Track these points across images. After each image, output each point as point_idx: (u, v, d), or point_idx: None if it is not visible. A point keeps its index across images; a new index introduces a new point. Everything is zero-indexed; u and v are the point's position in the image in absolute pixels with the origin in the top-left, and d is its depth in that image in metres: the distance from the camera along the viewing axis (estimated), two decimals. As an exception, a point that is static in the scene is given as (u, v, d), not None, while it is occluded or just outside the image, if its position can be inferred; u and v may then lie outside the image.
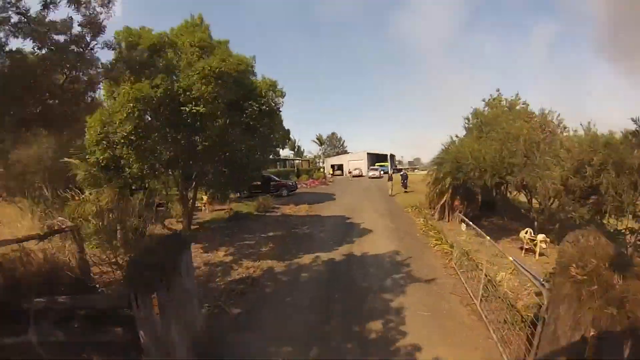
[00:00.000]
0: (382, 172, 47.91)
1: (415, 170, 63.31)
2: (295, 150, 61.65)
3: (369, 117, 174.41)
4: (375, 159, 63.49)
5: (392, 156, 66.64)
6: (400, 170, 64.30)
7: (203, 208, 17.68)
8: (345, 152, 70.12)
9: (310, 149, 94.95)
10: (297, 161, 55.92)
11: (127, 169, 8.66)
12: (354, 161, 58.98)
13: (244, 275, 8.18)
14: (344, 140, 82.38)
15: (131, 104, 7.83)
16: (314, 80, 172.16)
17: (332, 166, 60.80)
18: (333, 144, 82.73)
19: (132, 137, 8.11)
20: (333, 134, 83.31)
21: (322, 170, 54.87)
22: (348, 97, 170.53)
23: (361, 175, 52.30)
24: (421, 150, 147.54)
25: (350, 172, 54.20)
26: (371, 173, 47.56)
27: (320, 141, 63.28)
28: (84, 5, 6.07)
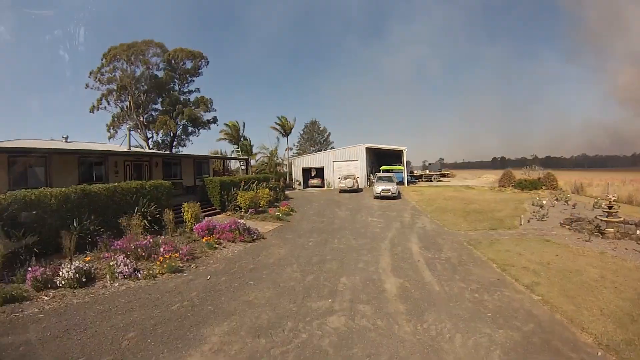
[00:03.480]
0: (396, 187, 22.93)
1: (448, 178, 38.38)
2: (239, 147, 36.03)
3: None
4: (378, 159, 38.39)
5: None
6: (418, 177, 39.16)
7: None
8: (332, 148, 44.80)
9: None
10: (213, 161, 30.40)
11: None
12: (344, 162, 33.91)
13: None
14: (329, 133, 57.23)
15: None
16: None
17: (306, 172, 35.48)
18: (313, 138, 57.19)
19: None
20: (313, 122, 58.22)
21: (282, 180, 29.40)
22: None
23: (357, 190, 27.07)
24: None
25: (340, 182, 28.42)
26: (380, 188, 22.47)
27: (283, 128, 37.76)
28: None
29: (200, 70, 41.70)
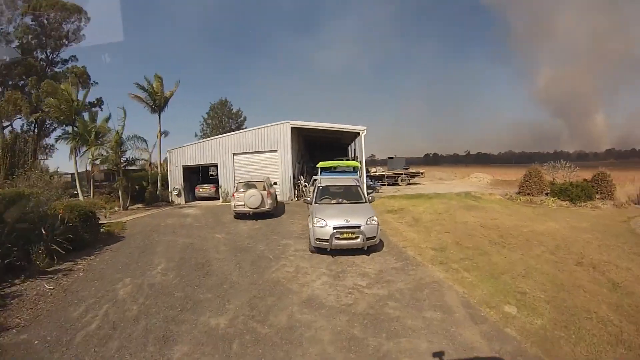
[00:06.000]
0: (375, 223, 8.11)
1: (419, 179, 26.27)
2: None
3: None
4: (315, 152, 25.17)
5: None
6: (377, 179, 26.25)
7: None
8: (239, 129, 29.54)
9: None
10: None
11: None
12: (254, 155, 19.60)
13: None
14: (244, 117, 42.23)
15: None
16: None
17: (192, 173, 20.36)
18: (222, 124, 41.50)
19: None
20: (224, 102, 42.72)
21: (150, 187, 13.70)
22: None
23: (268, 211, 12.81)
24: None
25: (235, 198, 13.26)
26: (330, 224, 7.99)
27: (153, 97, 20.97)
28: None
29: (80, 33, 27.31)
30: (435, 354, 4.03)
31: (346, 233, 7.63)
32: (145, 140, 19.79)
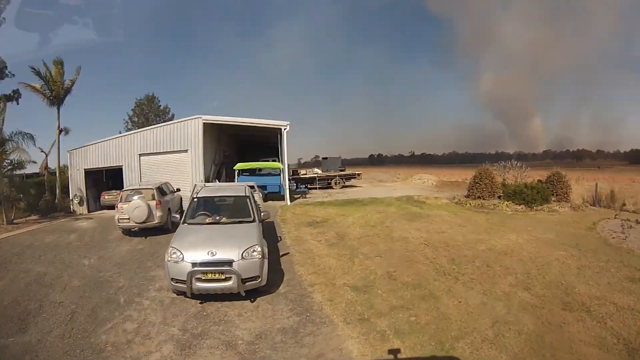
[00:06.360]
0: (260, 260, 5.20)
1: (356, 180, 23.83)
2: None
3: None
4: (242, 151, 21.90)
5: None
6: (307, 182, 23.14)
7: None
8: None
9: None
10: None
11: None
12: (163, 156, 16.00)
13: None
14: (173, 114, 37.52)
15: None
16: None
17: (92, 177, 16.36)
18: (149, 121, 36.25)
19: None
20: (150, 98, 37.74)
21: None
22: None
23: (153, 221, 9.24)
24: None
25: (120, 210, 9.53)
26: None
27: (50, 85, 16.08)
28: None
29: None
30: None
31: (211, 273, 4.56)
32: (32, 138, 15.21)
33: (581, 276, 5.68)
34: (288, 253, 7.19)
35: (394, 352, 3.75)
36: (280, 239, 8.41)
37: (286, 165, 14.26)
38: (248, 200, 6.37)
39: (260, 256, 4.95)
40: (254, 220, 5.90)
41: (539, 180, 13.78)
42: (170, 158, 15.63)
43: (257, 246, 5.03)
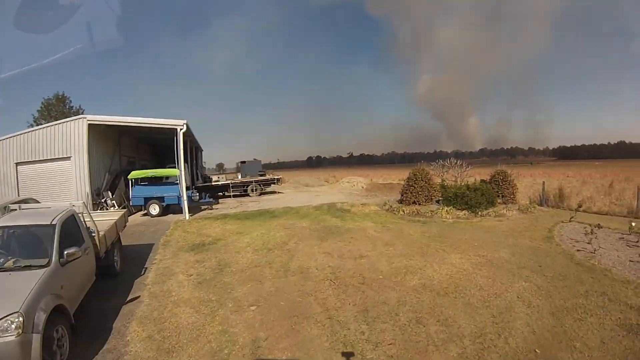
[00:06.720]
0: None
1: (277, 186, 21.71)
2: None
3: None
4: (147, 161, 19.39)
5: (197, 150, 23.04)
6: (221, 189, 20.19)
7: None
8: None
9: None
10: None
11: None
12: (43, 165, 12.88)
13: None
14: (83, 109, 33.09)
15: None
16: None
17: None
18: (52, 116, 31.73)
19: None
20: (60, 97, 33.28)
21: None
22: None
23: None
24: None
25: None
26: None
27: None
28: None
29: None
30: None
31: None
32: None
33: (560, 332, 3.95)
34: (138, 297, 5.03)
35: None
36: (144, 272, 6.28)
37: (183, 172, 11.82)
38: (52, 231, 4.10)
39: (14, 337, 2.68)
40: (47, 265, 3.76)
41: (483, 181, 12.75)
42: (52, 167, 12.65)
43: (15, 316, 2.82)
